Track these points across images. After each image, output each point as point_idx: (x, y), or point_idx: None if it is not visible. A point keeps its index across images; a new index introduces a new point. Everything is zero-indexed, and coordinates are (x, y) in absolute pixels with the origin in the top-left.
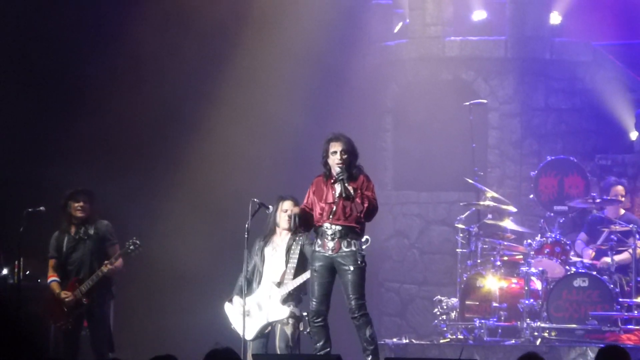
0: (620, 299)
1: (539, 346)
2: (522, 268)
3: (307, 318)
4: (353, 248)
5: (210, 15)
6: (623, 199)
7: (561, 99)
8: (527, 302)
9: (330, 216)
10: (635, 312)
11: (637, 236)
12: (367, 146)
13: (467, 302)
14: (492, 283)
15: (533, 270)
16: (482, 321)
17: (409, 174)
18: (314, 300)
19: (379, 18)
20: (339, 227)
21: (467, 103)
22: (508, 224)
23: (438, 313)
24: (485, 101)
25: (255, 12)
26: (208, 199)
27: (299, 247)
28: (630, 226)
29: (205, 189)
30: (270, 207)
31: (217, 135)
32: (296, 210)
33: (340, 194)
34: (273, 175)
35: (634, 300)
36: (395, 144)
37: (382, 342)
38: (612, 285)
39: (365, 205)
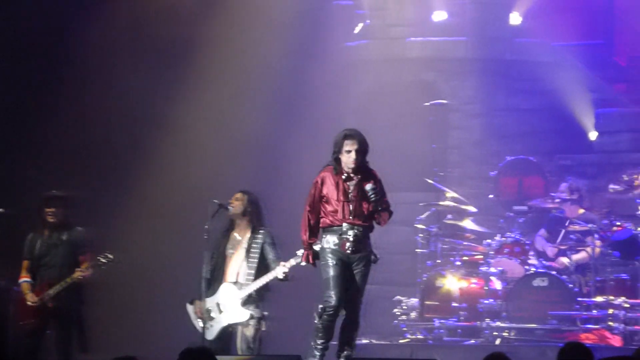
0: (580, 299)
1: (499, 346)
2: (481, 268)
3: (320, 311)
4: (368, 249)
5: (170, 16)
6: (573, 196)
7: (522, 99)
8: (486, 302)
9: (350, 216)
10: (594, 311)
11: (596, 236)
12: (329, 147)
13: (427, 302)
14: (452, 283)
15: (493, 270)
16: (442, 321)
17: None
18: (333, 294)
19: (340, 19)
20: (360, 229)
21: (428, 103)
22: (468, 224)
23: (398, 313)
24: (445, 101)
25: (216, 13)
26: (172, 198)
27: (260, 246)
28: (589, 226)
29: (169, 188)
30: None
31: (180, 137)
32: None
33: (350, 197)
34: (237, 176)
35: (593, 299)
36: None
37: None
38: (571, 285)
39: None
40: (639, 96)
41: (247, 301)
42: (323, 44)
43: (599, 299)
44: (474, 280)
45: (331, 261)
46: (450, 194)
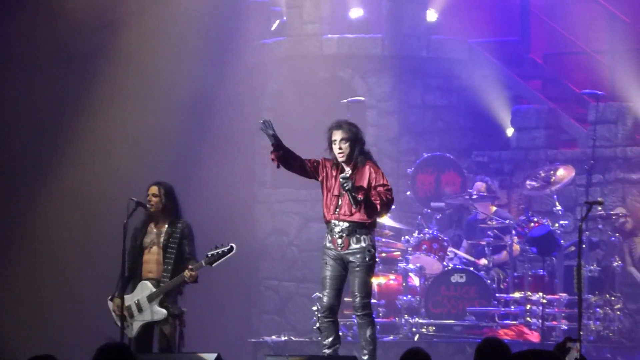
0: (498, 295)
1: (418, 342)
2: (400, 264)
3: (316, 313)
4: (363, 244)
5: (81, 16)
6: (491, 194)
7: (438, 96)
8: (405, 298)
9: (337, 211)
10: (512, 307)
11: (513, 232)
12: (246, 144)
13: (346, 299)
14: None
15: (411, 266)
16: None
17: (288, 171)
18: (326, 294)
19: (257, 16)
20: (346, 224)
21: (345, 100)
22: (386, 220)
23: (316, 310)
24: (362, 99)
25: (131, 9)
26: (91, 193)
27: (177, 240)
28: (507, 222)
29: (88, 183)
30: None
31: (96, 138)
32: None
33: (342, 191)
34: (153, 171)
35: (511, 295)
36: None
37: (262, 340)
38: (489, 281)
39: (378, 203)
40: (555, 93)
41: (165, 299)
42: (239, 41)
43: (517, 295)
44: (392, 276)
45: (326, 261)
46: None
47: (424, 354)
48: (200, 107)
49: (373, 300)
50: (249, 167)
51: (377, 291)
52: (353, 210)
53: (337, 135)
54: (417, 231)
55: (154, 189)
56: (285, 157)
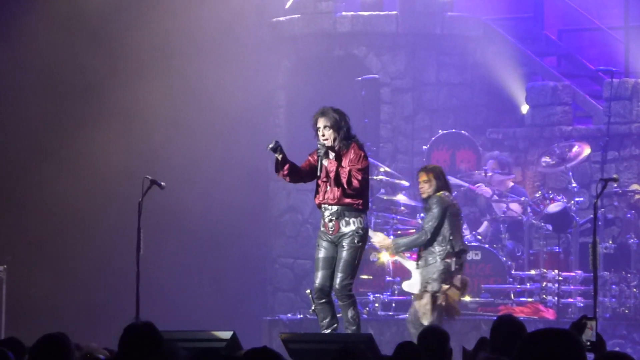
0: (513, 272)
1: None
2: None
3: (310, 295)
4: (352, 227)
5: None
6: (504, 171)
7: (452, 73)
8: None
9: (326, 196)
10: (528, 284)
11: (529, 208)
12: (260, 122)
13: (361, 277)
14: (386, 257)
15: None
16: (376, 295)
17: (302, 150)
18: (318, 276)
19: None
20: (335, 208)
21: (359, 78)
22: (401, 198)
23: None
24: (377, 76)
25: None
26: (105, 174)
27: None
28: (522, 199)
29: (96, 168)
30: (162, 183)
31: (99, 130)
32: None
33: (321, 172)
34: (169, 152)
35: (527, 273)
36: (288, 120)
37: (277, 318)
38: (504, 258)
39: (344, 180)
40: (570, 69)
41: None
42: (253, 19)
43: (532, 272)
44: (407, 254)
45: (319, 243)
46: (383, 168)
47: (442, 332)
48: (212, 85)
49: (389, 278)
50: (263, 145)
51: (393, 268)
52: (342, 192)
53: (321, 123)
54: None
55: (424, 176)
56: (294, 171)
